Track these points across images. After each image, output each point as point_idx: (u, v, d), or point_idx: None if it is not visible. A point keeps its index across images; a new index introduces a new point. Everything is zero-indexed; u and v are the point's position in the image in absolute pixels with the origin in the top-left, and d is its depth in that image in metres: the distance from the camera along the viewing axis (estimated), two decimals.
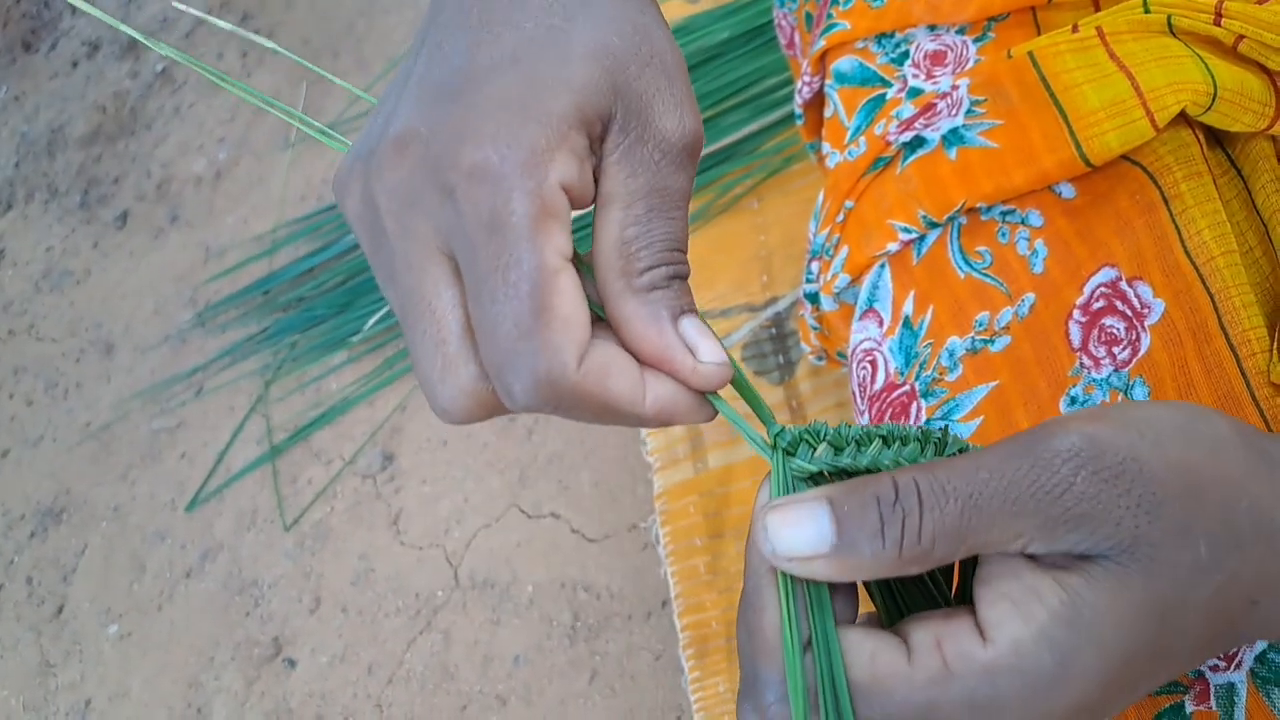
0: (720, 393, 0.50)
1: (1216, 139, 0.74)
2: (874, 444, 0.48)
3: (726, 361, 0.49)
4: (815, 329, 1.01)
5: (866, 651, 0.44)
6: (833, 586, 0.47)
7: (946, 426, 0.54)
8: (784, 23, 1.10)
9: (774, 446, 0.49)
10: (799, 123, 1.05)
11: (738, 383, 0.51)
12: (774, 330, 1.57)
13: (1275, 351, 0.62)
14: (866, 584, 0.51)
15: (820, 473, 0.48)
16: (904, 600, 0.53)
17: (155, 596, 1.94)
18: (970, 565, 0.48)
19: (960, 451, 0.49)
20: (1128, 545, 0.42)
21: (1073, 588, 0.42)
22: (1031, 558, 0.44)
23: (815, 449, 0.48)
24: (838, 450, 0.48)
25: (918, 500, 0.43)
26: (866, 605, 0.52)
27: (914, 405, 0.76)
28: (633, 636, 1.47)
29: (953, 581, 0.55)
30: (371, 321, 1.97)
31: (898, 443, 0.49)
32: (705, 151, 1.79)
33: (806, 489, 0.47)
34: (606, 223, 0.50)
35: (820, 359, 1.11)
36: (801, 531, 0.44)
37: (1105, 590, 0.42)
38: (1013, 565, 0.43)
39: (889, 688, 0.42)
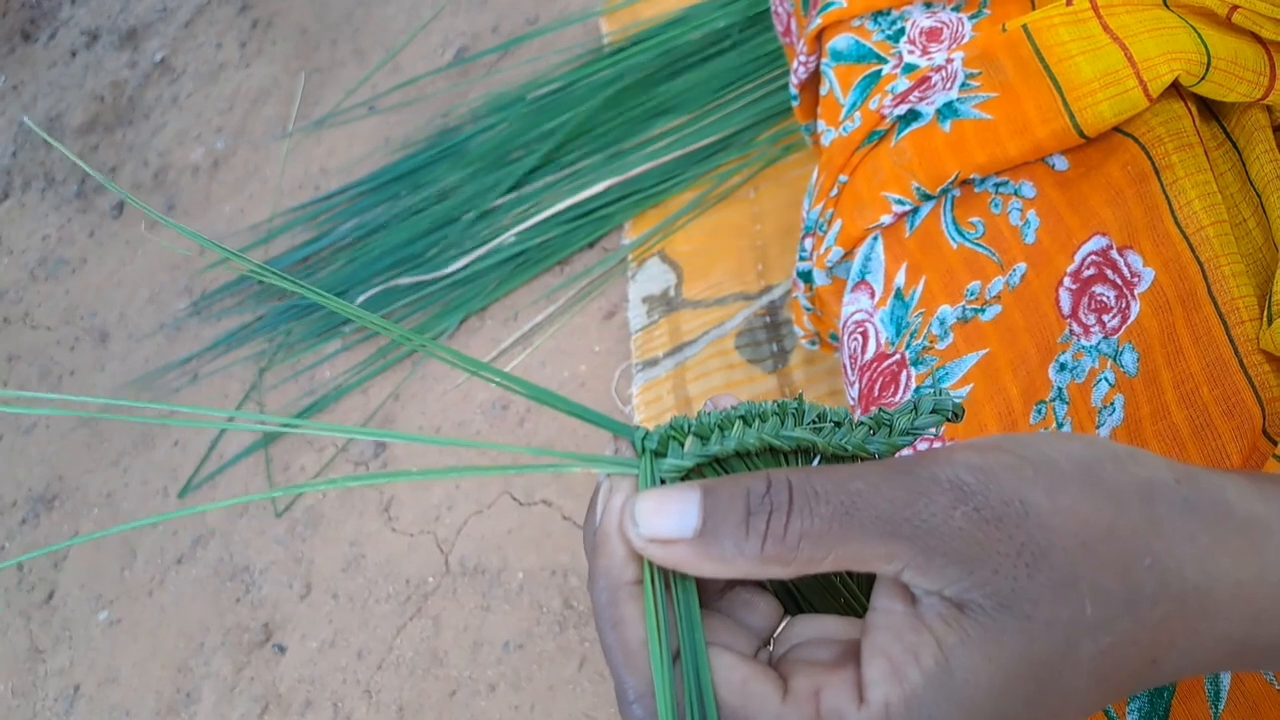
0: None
1: (1213, 113, 0.74)
2: (735, 426, 0.47)
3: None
4: (808, 310, 1.02)
5: (739, 675, 0.42)
6: (710, 608, 0.47)
7: (801, 394, 0.53)
8: (780, 9, 1.11)
9: (641, 450, 0.47)
10: (794, 104, 1.05)
11: (586, 415, 0.49)
12: (768, 319, 1.57)
13: (1264, 319, 0.62)
14: (773, 588, 0.50)
15: (695, 469, 0.47)
16: (811, 603, 0.52)
17: (146, 583, 1.93)
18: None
19: (819, 417, 0.49)
20: (1005, 599, 0.40)
21: (949, 648, 0.40)
22: (912, 600, 0.42)
23: (684, 444, 0.46)
24: (704, 440, 0.47)
25: (788, 497, 0.41)
26: None
27: (904, 374, 0.76)
28: None
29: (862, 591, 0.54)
30: (361, 299, 1.97)
31: (757, 419, 0.48)
32: (702, 142, 1.79)
33: None
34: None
35: (813, 343, 1.11)
36: (668, 515, 0.42)
37: (979, 653, 0.40)
38: (896, 621, 0.42)
39: (756, 717, 0.41)
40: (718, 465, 0.47)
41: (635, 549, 0.43)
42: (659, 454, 0.46)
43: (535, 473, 0.44)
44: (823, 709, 0.41)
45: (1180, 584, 0.41)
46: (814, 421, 0.48)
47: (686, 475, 0.46)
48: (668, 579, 0.45)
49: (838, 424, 0.49)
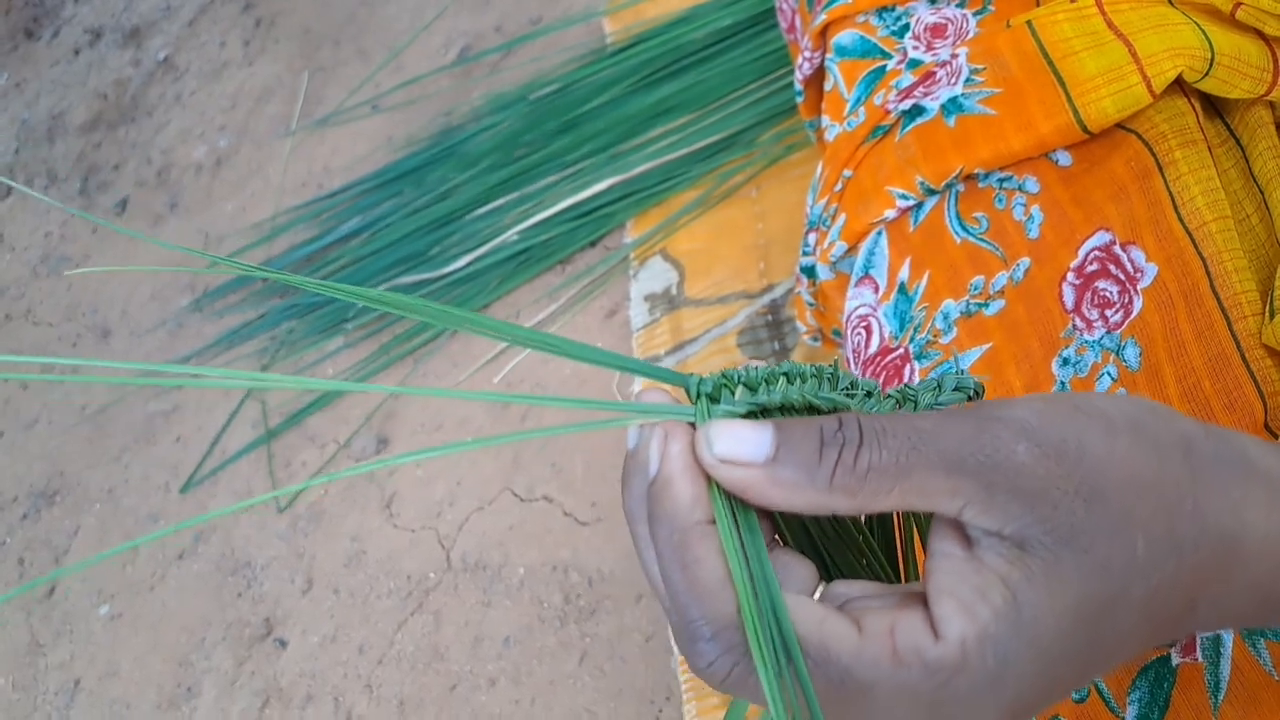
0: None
1: (1216, 110, 0.75)
2: (780, 381, 0.48)
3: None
4: (811, 305, 1.02)
5: (816, 615, 0.43)
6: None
7: (836, 361, 0.55)
8: (784, 6, 1.11)
9: (697, 395, 0.48)
10: (799, 99, 1.05)
11: (643, 370, 0.52)
12: (770, 317, 1.58)
13: (1266, 314, 0.63)
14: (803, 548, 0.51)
15: (747, 415, 0.48)
16: (840, 570, 0.53)
17: (147, 577, 1.94)
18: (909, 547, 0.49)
19: (851, 385, 0.50)
20: (1065, 535, 0.41)
21: (1015, 585, 0.41)
22: (969, 545, 0.43)
23: (734, 393, 0.48)
24: (752, 390, 0.48)
25: (859, 432, 0.43)
26: None
27: (907, 368, 0.77)
28: (623, 619, 1.47)
29: (895, 562, 0.56)
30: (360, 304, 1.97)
31: (799, 379, 0.49)
32: (706, 140, 1.80)
33: None
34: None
35: (816, 340, 1.12)
36: (743, 440, 0.44)
37: (1044, 589, 0.41)
38: (959, 565, 0.43)
39: (835, 654, 0.42)
40: (763, 417, 0.48)
41: (706, 467, 0.44)
42: (713, 399, 0.48)
43: (585, 430, 0.45)
44: (898, 644, 0.42)
45: (1217, 530, 0.44)
46: (847, 388, 0.49)
47: None
48: (735, 521, 0.45)
49: (868, 394, 0.50)
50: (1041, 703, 0.44)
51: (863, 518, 0.54)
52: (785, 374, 0.49)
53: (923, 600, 0.43)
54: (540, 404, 0.60)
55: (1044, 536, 0.41)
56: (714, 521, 0.45)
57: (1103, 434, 0.43)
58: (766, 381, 0.48)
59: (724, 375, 0.49)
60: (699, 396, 0.48)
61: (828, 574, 0.52)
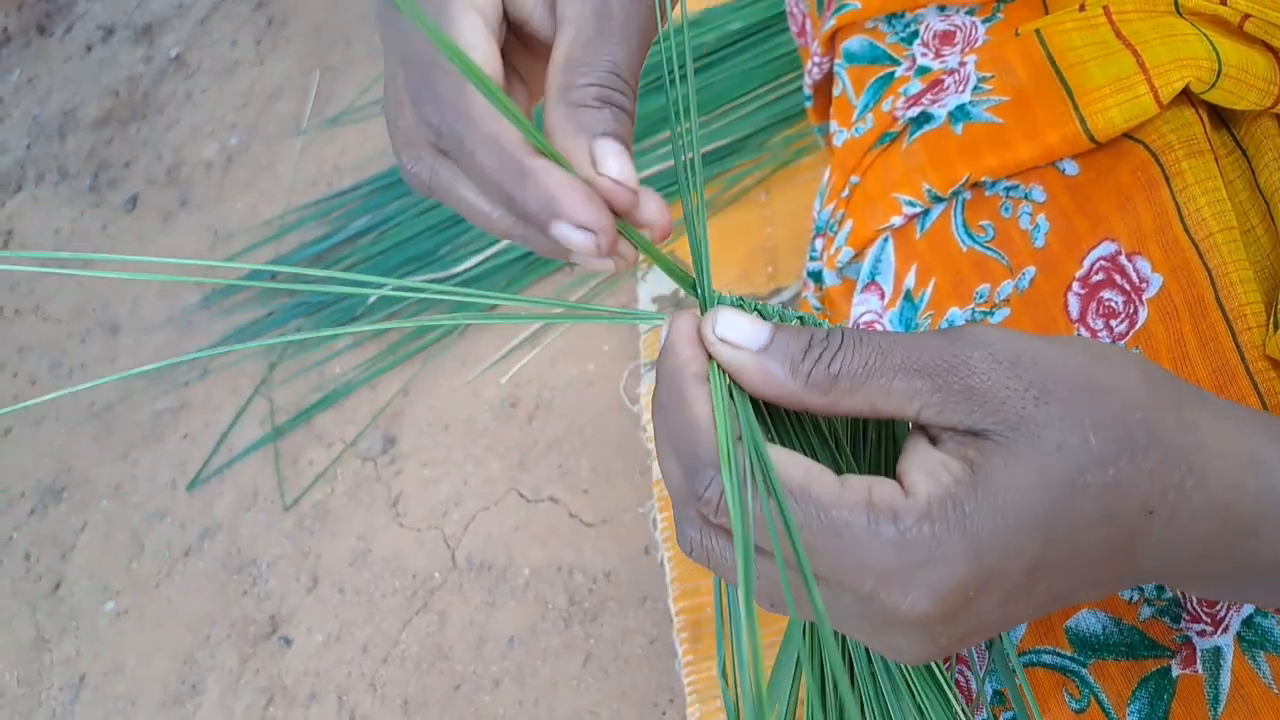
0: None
1: (1223, 121, 0.75)
2: (793, 321, 0.53)
3: (629, 181, 0.53)
4: (818, 309, 1.02)
5: (802, 465, 0.48)
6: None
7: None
8: (795, 10, 1.11)
9: (711, 301, 0.55)
10: (808, 105, 1.05)
11: (663, 264, 0.56)
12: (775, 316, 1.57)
13: (1271, 326, 0.63)
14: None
15: None
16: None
17: (153, 574, 1.94)
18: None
19: None
20: (1013, 422, 0.46)
21: (970, 459, 0.46)
22: (934, 443, 0.49)
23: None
24: (765, 318, 0.53)
25: (840, 338, 0.48)
26: None
27: None
28: (627, 620, 1.47)
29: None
30: (373, 298, 1.98)
31: (812, 321, 0.54)
32: (715, 144, 1.80)
33: None
34: (557, 43, 0.56)
35: None
36: (743, 326, 0.50)
37: (999, 461, 0.45)
38: (924, 449, 0.48)
39: (818, 495, 0.46)
40: None
41: (707, 343, 0.51)
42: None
43: (628, 322, 0.53)
44: (874, 497, 0.46)
45: (1168, 439, 0.47)
46: None
47: None
48: (730, 390, 0.51)
49: None
50: (1003, 568, 0.46)
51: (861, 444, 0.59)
52: (800, 318, 0.54)
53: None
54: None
55: (994, 425, 0.46)
56: (709, 379, 0.51)
57: (1059, 349, 0.48)
58: (780, 316, 0.54)
59: (740, 298, 0.54)
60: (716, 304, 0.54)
61: None
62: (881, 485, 0.47)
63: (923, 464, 0.47)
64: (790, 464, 0.48)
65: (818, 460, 0.53)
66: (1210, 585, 0.54)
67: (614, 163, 0.52)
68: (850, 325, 0.84)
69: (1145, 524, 0.47)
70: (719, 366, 0.51)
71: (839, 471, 0.53)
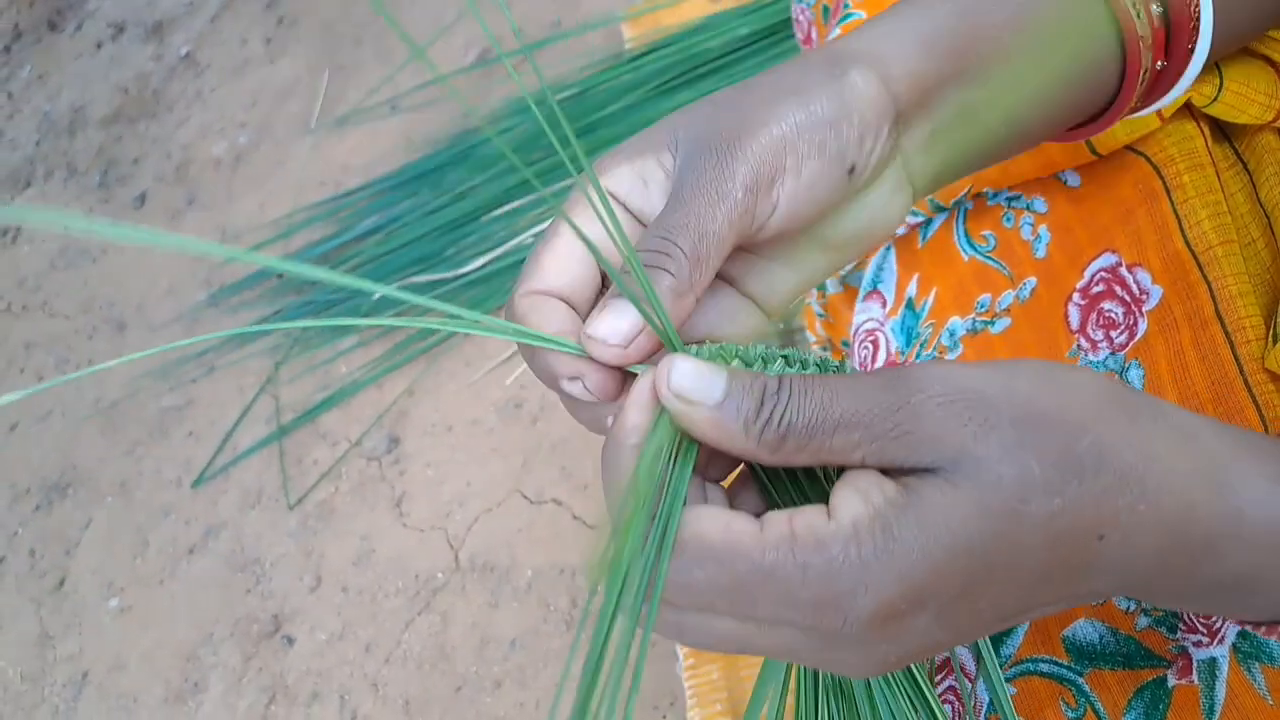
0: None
1: (1224, 134, 0.75)
2: (777, 362, 0.51)
3: (608, 337, 0.51)
4: (820, 316, 1.02)
5: (723, 520, 0.47)
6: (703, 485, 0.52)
7: (845, 358, 0.57)
8: (802, 17, 1.11)
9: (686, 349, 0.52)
10: None
11: (647, 315, 0.53)
12: (780, 325, 1.58)
13: (1270, 340, 0.63)
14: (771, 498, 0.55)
15: None
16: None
17: (157, 572, 1.95)
18: None
19: None
20: (952, 457, 0.44)
21: (907, 483, 0.45)
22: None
23: (728, 364, 0.50)
24: (747, 364, 0.51)
25: (789, 395, 0.47)
26: None
27: None
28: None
29: None
30: (377, 295, 1.99)
31: (799, 364, 0.52)
32: None
33: None
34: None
35: (825, 349, 1.12)
36: (699, 380, 0.48)
37: (937, 490, 0.44)
38: (859, 470, 0.47)
39: (739, 547, 0.45)
40: None
41: (661, 396, 0.48)
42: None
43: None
44: (796, 527, 0.45)
45: (1118, 462, 0.46)
46: None
47: None
48: (677, 447, 0.50)
49: None
50: (940, 605, 0.46)
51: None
52: (785, 357, 0.52)
53: (824, 504, 0.47)
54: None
55: (934, 462, 0.45)
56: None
57: (1005, 378, 0.46)
58: (764, 360, 0.51)
59: (722, 348, 0.52)
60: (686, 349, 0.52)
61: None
62: (803, 514, 0.46)
63: (856, 481, 0.46)
64: (709, 521, 0.47)
65: (795, 478, 0.54)
66: (1184, 601, 0.54)
67: (598, 319, 0.52)
68: (852, 333, 0.85)
69: (1095, 547, 0.46)
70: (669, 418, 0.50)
71: (802, 495, 0.54)
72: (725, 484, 0.54)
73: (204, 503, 1.98)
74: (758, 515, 0.49)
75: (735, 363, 0.51)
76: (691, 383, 0.48)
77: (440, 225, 2.02)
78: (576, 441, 1.68)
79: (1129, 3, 0.59)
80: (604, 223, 0.51)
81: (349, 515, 1.81)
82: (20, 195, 2.78)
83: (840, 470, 0.50)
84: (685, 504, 0.48)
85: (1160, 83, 0.63)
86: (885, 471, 0.47)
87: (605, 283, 0.56)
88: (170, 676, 1.81)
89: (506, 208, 1.98)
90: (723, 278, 0.59)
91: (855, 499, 0.45)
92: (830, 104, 0.53)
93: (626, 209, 0.55)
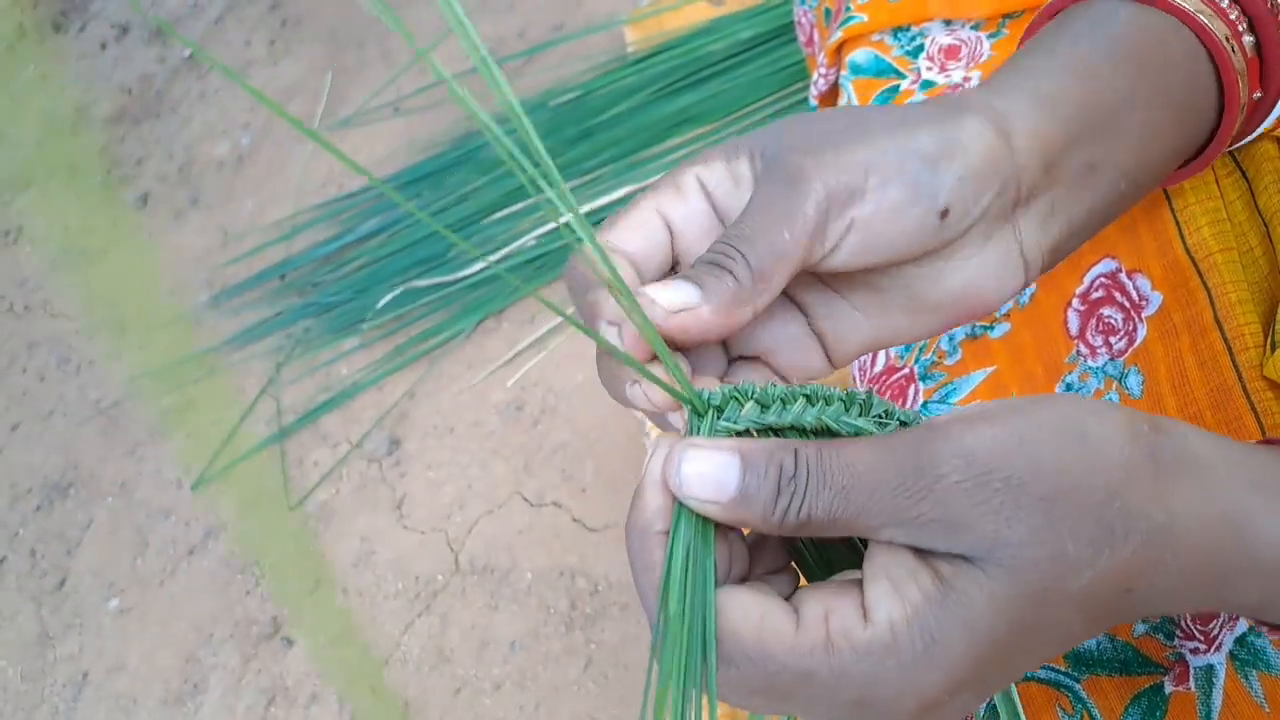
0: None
1: None
2: (798, 402, 0.49)
3: (666, 303, 0.50)
4: None
5: (756, 614, 0.46)
6: (727, 537, 0.50)
7: (871, 390, 0.55)
8: (804, 20, 1.11)
9: (706, 405, 0.50)
10: None
11: (661, 353, 0.51)
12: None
13: (1269, 347, 0.63)
14: (797, 540, 0.54)
15: (746, 430, 0.49)
16: (829, 555, 0.55)
17: (158, 572, 1.95)
18: None
19: (885, 413, 0.50)
20: (987, 548, 0.43)
21: (942, 574, 0.44)
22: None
23: (743, 406, 0.49)
24: (764, 408, 0.49)
25: (806, 480, 0.45)
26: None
27: (912, 388, 0.77)
28: (628, 626, 1.48)
29: None
30: (382, 302, 1.99)
31: (821, 402, 0.50)
32: None
33: None
34: None
35: None
36: (709, 478, 0.46)
37: (973, 580, 0.44)
38: (894, 549, 0.46)
39: (773, 650, 0.45)
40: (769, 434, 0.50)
41: (671, 488, 0.47)
42: (719, 410, 0.50)
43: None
44: (832, 630, 0.45)
45: (1146, 522, 0.45)
46: (880, 416, 0.50)
47: (737, 435, 0.49)
48: (697, 530, 0.48)
49: (903, 423, 0.50)
50: (979, 685, 0.46)
51: None
52: (807, 396, 0.49)
53: (859, 585, 0.46)
54: None
55: (967, 551, 0.44)
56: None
57: (1030, 453, 0.45)
58: (783, 401, 0.49)
59: (737, 389, 0.49)
60: (707, 407, 0.50)
61: (823, 560, 0.55)
62: (839, 616, 0.45)
63: (888, 567, 0.45)
64: (741, 619, 0.46)
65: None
66: (1198, 616, 0.54)
67: (661, 284, 0.50)
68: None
69: (1123, 599, 0.46)
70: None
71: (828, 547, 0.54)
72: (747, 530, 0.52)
73: (204, 504, 1.98)
74: (781, 570, 0.51)
75: (750, 405, 0.49)
76: (699, 486, 0.47)
77: (443, 227, 2.02)
78: (577, 444, 1.68)
79: (1222, 38, 0.58)
80: (602, 272, 0.49)
81: (349, 517, 1.81)
82: (22, 195, 2.78)
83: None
84: (715, 581, 0.47)
85: (1257, 112, 0.63)
86: (915, 549, 0.46)
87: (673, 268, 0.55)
88: (170, 677, 1.81)
89: (508, 210, 1.98)
90: (798, 304, 0.57)
91: (890, 597, 0.45)
92: (933, 140, 0.51)
93: (712, 203, 0.54)
